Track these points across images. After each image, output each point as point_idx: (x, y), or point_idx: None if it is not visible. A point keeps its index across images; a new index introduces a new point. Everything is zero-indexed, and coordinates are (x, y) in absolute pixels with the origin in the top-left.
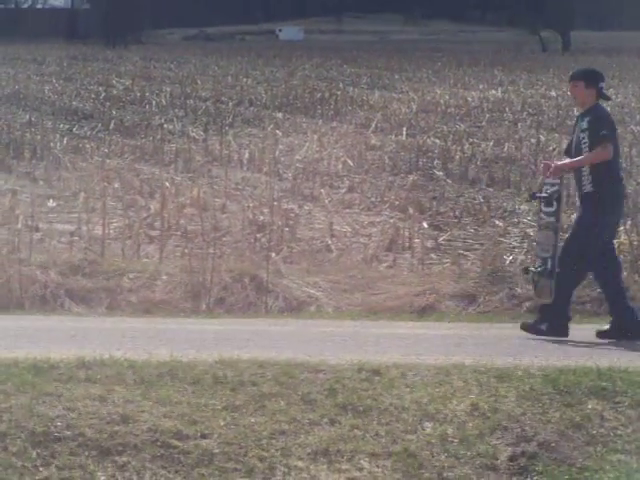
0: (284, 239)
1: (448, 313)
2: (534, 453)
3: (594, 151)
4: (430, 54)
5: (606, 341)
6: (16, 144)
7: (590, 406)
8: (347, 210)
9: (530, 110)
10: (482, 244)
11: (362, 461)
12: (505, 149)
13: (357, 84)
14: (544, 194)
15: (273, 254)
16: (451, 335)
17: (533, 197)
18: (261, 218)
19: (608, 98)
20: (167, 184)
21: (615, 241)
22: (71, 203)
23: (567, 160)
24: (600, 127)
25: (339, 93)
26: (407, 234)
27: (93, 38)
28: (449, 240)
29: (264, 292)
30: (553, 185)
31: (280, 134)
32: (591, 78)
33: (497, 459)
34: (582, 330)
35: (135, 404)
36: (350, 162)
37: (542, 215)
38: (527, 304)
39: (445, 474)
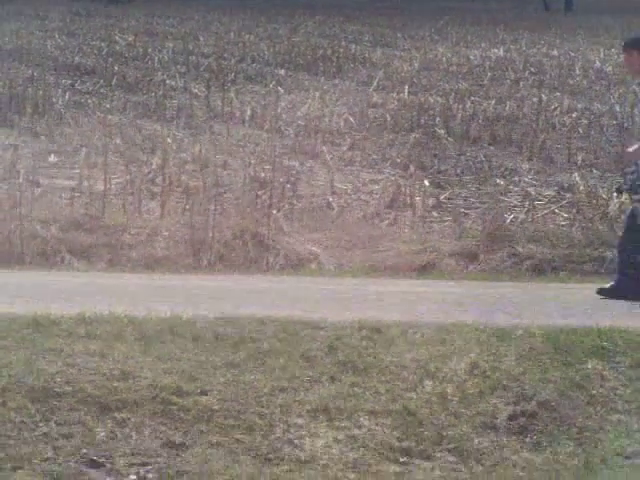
0: (285, 196)
1: (449, 271)
2: (534, 412)
3: None
4: (433, 12)
5: (607, 300)
6: (18, 99)
7: (590, 366)
8: (348, 167)
9: (532, 69)
10: (483, 202)
11: (362, 419)
12: (507, 108)
13: (359, 42)
14: (626, 186)
15: (274, 211)
16: (451, 293)
17: (619, 191)
18: (262, 175)
19: None
20: (169, 140)
21: None
22: (72, 159)
23: (637, 145)
24: None
25: (341, 51)
26: (408, 192)
27: None
28: (450, 198)
29: (265, 249)
30: (633, 173)
31: (282, 91)
32: None
33: (497, 418)
34: (583, 290)
35: (135, 360)
36: (352, 120)
37: (636, 205)
38: (528, 262)
39: (445, 433)
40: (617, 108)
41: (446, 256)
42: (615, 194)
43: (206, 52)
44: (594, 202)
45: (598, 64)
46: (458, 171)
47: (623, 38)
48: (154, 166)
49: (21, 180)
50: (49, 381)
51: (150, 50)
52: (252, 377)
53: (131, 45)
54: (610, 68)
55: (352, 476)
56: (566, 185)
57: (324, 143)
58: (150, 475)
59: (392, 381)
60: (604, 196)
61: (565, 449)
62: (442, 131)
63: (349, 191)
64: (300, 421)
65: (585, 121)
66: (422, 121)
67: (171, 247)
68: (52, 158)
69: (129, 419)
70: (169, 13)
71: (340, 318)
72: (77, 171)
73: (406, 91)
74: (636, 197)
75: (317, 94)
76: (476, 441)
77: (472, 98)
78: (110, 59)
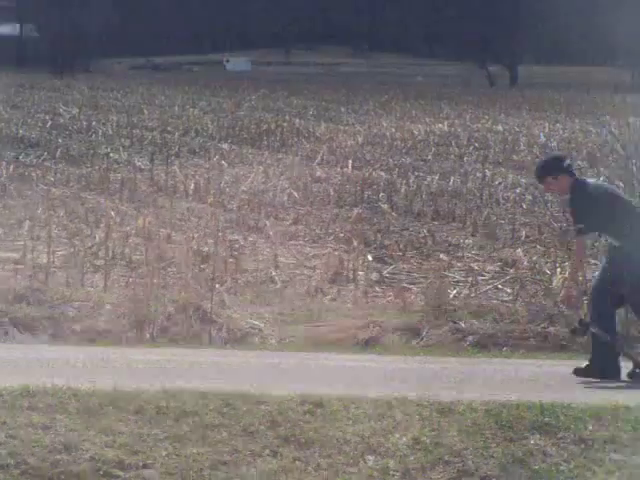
0: (228, 270)
1: (392, 346)
2: None
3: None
4: (377, 87)
5: (550, 376)
6: None
7: (532, 441)
8: (292, 242)
9: (476, 144)
10: (426, 278)
11: None
12: (451, 183)
13: (303, 116)
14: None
15: (217, 285)
16: (394, 368)
17: (573, 332)
18: (206, 249)
19: (577, 170)
20: (112, 213)
21: None
22: (16, 231)
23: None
24: (577, 218)
25: (285, 125)
26: (351, 267)
27: (41, 66)
28: (393, 273)
29: (208, 323)
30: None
31: (226, 165)
32: (554, 168)
33: None
34: (526, 365)
35: (78, 433)
36: (295, 194)
37: None
38: (471, 338)
39: None
40: None
41: (389, 331)
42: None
43: (150, 125)
44: (538, 277)
45: (542, 139)
46: (401, 246)
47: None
48: (97, 239)
49: None
50: None
51: (94, 123)
52: (194, 450)
53: (75, 118)
54: (555, 143)
55: None
56: (510, 260)
57: (267, 217)
58: None
59: (334, 455)
60: (547, 271)
61: None
62: (386, 206)
63: (292, 265)
64: None
65: (529, 196)
66: (366, 196)
67: (114, 320)
68: None
69: None
70: (113, 86)
71: (282, 392)
72: (21, 243)
73: (350, 166)
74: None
75: (261, 168)
76: None
77: (416, 173)
78: (54, 132)
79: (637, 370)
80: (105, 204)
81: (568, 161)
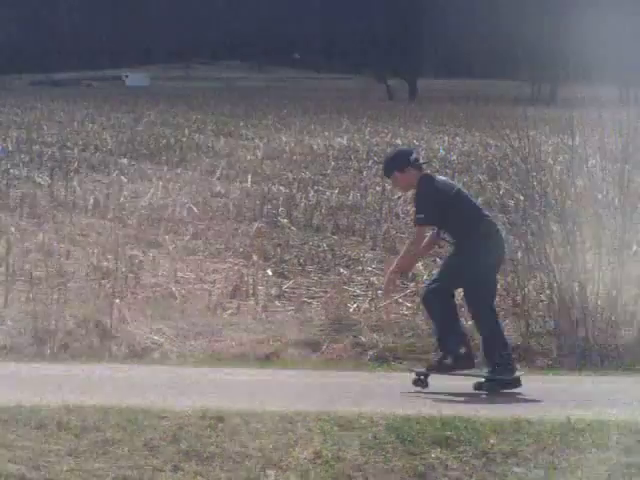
0: (128, 285)
1: (292, 360)
2: None
3: (407, 244)
4: (276, 101)
5: (450, 390)
6: None
7: (434, 455)
8: (191, 257)
9: (376, 158)
10: (326, 292)
11: None
12: (350, 197)
13: (203, 131)
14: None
15: (117, 300)
16: (295, 383)
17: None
18: (105, 264)
19: (427, 163)
20: (12, 229)
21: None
22: None
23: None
24: (419, 208)
25: (184, 140)
26: (251, 281)
27: None
28: (293, 288)
29: (108, 338)
30: None
31: (125, 180)
32: (400, 162)
33: None
34: (430, 379)
35: None
36: (195, 209)
37: None
38: (371, 352)
39: None
40: None
41: (289, 345)
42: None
43: (50, 141)
44: None
45: (442, 152)
46: (301, 260)
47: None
48: None
49: None
50: None
51: None
52: (96, 465)
53: None
54: (454, 157)
55: None
56: (410, 274)
57: (167, 232)
58: None
59: (235, 470)
60: None
61: None
62: (285, 220)
63: (192, 280)
64: None
65: None
66: (265, 210)
67: (15, 336)
68: None
69: None
70: (12, 102)
71: (183, 407)
72: None
73: (249, 180)
74: None
75: (160, 183)
76: None
77: (315, 187)
78: None
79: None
80: (5, 220)
81: (415, 155)
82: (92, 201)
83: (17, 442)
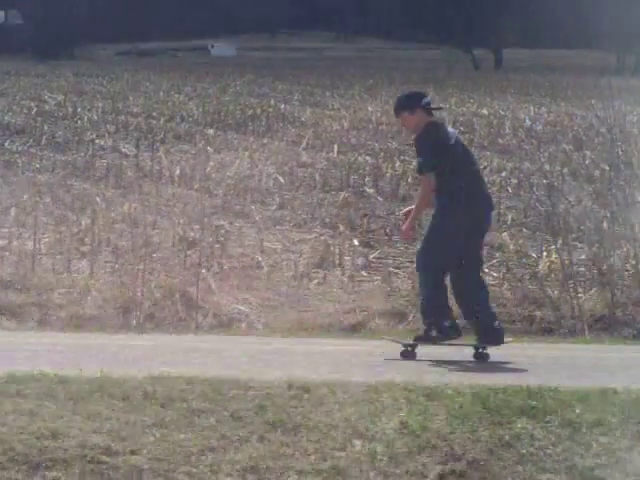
0: (214, 256)
1: (378, 331)
2: (463, 472)
3: (419, 192)
4: (362, 71)
5: (536, 360)
6: None
7: (520, 425)
8: (278, 227)
9: (461, 128)
10: (412, 262)
11: (290, 478)
12: None
13: (289, 101)
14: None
15: (203, 270)
16: (381, 353)
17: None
18: (191, 234)
19: (439, 108)
20: (98, 200)
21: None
22: (2, 218)
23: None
24: (419, 152)
25: (271, 110)
26: (337, 251)
27: (26, 53)
28: (379, 258)
29: (194, 308)
30: None
31: (211, 150)
32: (412, 102)
33: (426, 477)
34: (512, 349)
35: (65, 419)
36: (281, 179)
37: None
38: (458, 321)
39: None
40: (547, 167)
41: (375, 315)
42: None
43: (135, 111)
44: (524, 261)
45: (528, 122)
46: (387, 230)
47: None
48: (83, 226)
49: None
50: None
51: (79, 109)
52: (181, 436)
53: (60, 104)
54: (540, 126)
55: None
56: (496, 244)
57: (253, 202)
58: None
59: (321, 440)
60: (534, 255)
61: None
62: (371, 190)
63: (278, 250)
64: None
65: (514, 180)
66: (351, 180)
67: (100, 307)
68: None
69: (59, 478)
70: (99, 72)
71: (269, 377)
72: (6, 230)
73: (335, 150)
74: None
75: (246, 153)
76: None
77: (401, 157)
78: (39, 118)
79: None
80: (91, 190)
81: (428, 99)
82: (178, 171)
83: (103, 413)
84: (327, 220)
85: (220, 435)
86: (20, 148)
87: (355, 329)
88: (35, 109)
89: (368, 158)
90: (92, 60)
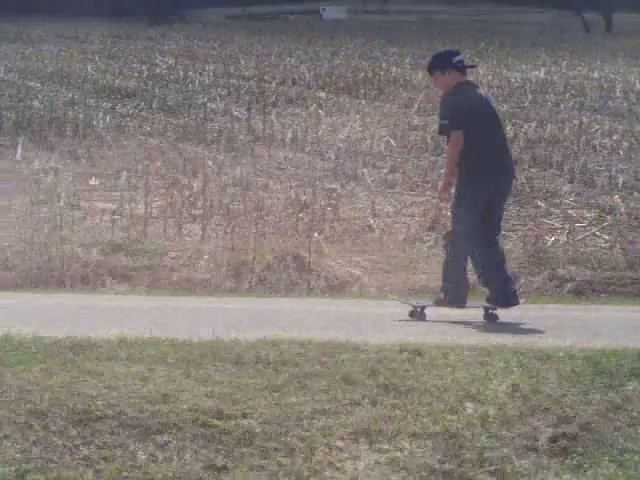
0: (326, 219)
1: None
2: (575, 434)
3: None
4: (473, 34)
5: None
6: (59, 122)
7: (631, 387)
8: (389, 190)
9: (572, 91)
10: (524, 225)
11: (403, 441)
12: (548, 130)
13: (400, 64)
14: None
15: (315, 234)
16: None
17: None
18: (303, 198)
19: (472, 66)
20: (210, 163)
21: None
22: (113, 182)
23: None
24: (442, 114)
25: (382, 73)
26: (448, 214)
27: (137, 16)
28: None
29: (306, 272)
30: None
31: (323, 114)
32: (442, 62)
33: (537, 440)
34: (624, 312)
35: (176, 383)
36: (392, 142)
37: None
38: (568, 285)
39: (486, 455)
40: None
41: None
42: None
43: (247, 75)
44: (635, 224)
45: (638, 86)
46: None
47: None
48: (195, 189)
49: (62, 203)
50: (90, 404)
51: (191, 73)
52: (293, 400)
53: (172, 68)
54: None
55: None
56: (607, 207)
57: (365, 166)
58: None
59: (433, 403)
60: None
61: (606, 471)
62: None
63: (390, 214)
64: (341, 444)
65: (626, 143)
66: None
67: (212, 270)
68: (93, 181)
69: (170, 442)
70: (210, 36)
71: (381, 341)
72: (118, 194)
73: None
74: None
75: (358, 117)
76: (517, 463)
77: (513, 120)
78: (151, 82)
79: (490, 311)
80: (202, 154)
81: (460, 57)
82: (290, 135)
83: (214, 377)
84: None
85: (332, 398)
86: (131, 112)
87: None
88: (146, 73)
89: None
90: (203, 24)
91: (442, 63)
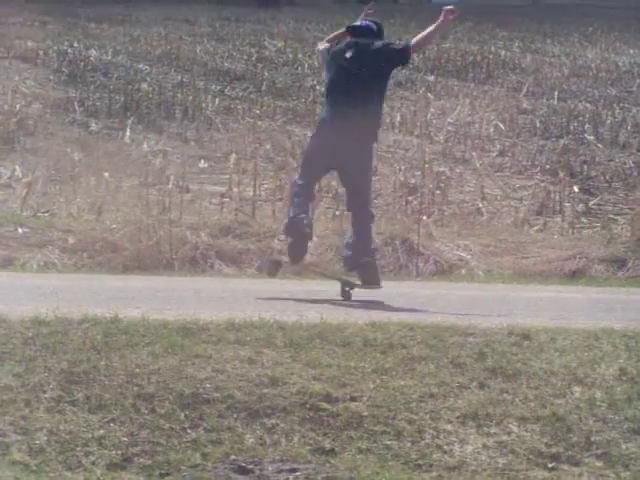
0: (435, 202)
1: (598, 277)
2: None
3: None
4: (582, 18)
5: None
6: (167, 105)
7: None
8: (498, 173)
9: None
10: (632, 209)
11: (511, 425)
12: None
13: (509, 48)
14: None
15: (424, 217)
16: (600, 299)
17: None
18: (412, 181)
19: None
20: None
21: None
22: (222, 164)
23: None
24: None
25: (491, 57)
26: (558, 198)
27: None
28: (599, 204)
29: (415, 255)
30: None
31: (432, 97)
32: None
33: None
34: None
35: (284, 366)
36: (501, 125)
37: None
38: None
39: (593, 438)
40: None
41: (595, 262)
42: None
43: None
44: None
45: None
46: (607, 177)
47: None
48: None
49: (170, 185)
50: (198, 387)
51: (300, 56)
52: (401, 383)
53: (281, 51)
54: None
55: None
56: None
57: (474, 149)
58: None
59: (541, 387)
60: None
61: None
62: (591, 137)
63: (499, 197)
64: (449, 427)
65: None
66: (571, 127)
67: (321, 253)
68: (201, 163)
69: (278, 425)
70: (319, 19)
71: (489, 324)
72: (226, 177)
73: (556, 97)
74: None
75: (467, 100)
76: (624, 447)
77: (621, 104)
78: (260, 65)
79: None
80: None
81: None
82: (399, 118)
83: (322, 360)
84: (547, 167)
85: (440, 382)
86: (240, 94)
87: (575, 275)
88: (255, 55)
89: (588, 105)
90: (312, 7)
91: None
